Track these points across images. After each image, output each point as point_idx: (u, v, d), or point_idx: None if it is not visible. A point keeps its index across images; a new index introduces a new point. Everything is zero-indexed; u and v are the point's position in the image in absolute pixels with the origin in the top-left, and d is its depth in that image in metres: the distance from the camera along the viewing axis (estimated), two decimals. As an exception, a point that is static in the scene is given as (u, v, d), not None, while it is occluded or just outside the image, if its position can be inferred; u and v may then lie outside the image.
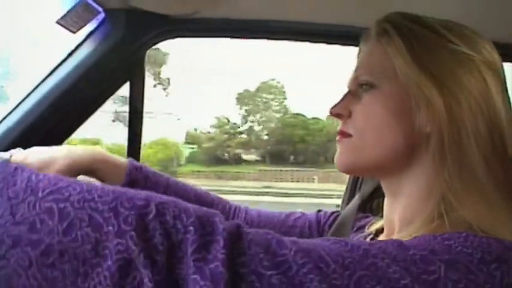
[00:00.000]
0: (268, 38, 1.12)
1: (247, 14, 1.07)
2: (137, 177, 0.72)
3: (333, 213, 0.80)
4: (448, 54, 0.51)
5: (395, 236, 0.56)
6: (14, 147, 1.14)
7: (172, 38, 1.11)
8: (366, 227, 0.69)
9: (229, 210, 0.79)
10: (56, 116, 1.14)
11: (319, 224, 0.77)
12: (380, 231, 0.65)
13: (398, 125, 0.53)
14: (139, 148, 1.25)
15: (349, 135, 0.57)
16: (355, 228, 0.73)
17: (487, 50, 0.53)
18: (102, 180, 0.69)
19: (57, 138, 1.20)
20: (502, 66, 0.54)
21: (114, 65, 1.11)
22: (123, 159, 0.72)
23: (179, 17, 1.07)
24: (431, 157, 0.51)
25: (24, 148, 1.15)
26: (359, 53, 0.61)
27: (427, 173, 0.53)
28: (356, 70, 0.58)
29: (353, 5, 0.98)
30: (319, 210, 0.82)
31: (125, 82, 1.17)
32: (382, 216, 0.67)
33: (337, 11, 1.00)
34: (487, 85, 0.51)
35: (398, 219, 0.57)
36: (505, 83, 0.54)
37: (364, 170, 0.60)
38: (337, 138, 0.58)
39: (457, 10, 0.95)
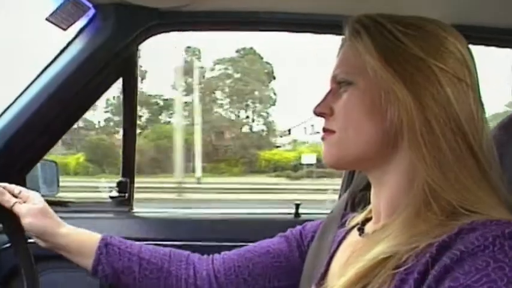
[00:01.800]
0: (259, 30, 1.11)
1: (238, 5, 1.06)
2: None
3: (320, 223, 0.81)
4: (407, 57, 0.55)
5: (381, 222, 0.60)
6: (9, 146, 1.15)
7: (164, 32, 1.11)
8: (347, 223, 0.72)
9: (189, 262, 0.82)
10: (50, 113, 1.14)
11: (302, 238, 0.80)
12: (368, 220, 0.67)
13: (374, 118, 0.57)
14: (134, 144, 1.25)
15: (332, 132, 0.60)
16: (340, 224, 0.75)
17: (447, 53, 0.56)
18: None
19: (52, 135, 1.21)
20: (466, 62, 0.57)
21: (106, 61, 1.10)
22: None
23: (170, 11, 1.07)
24: (408, 146, 0.54)
25: (20, 146, 1.15)
26: (338, 53, 0.64)
27: (407, 162, 0.56)
28: (335, 69, 0.62)
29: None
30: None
31: (117, 78, 1.17)
32: (363, 209, 0.70)
33: (326, 1, 0.99)
34: (444, 90, 0.54)
35: (384, 206, 0.60)
36: (472, 74, 0.56)
37: (349, 163, 0.63)
38: (322, 136, 0.62)
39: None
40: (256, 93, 14.89)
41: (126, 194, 1.25)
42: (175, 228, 1.23)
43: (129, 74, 1.17)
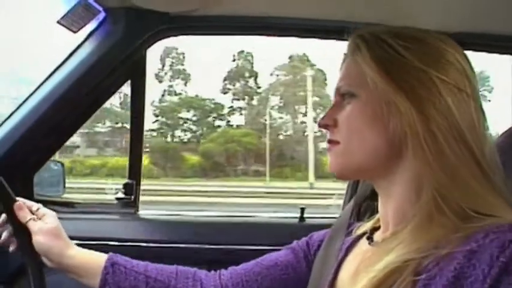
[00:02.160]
0: (268, 35, 1.12)
1: (247, 10, 1.07)
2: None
3: (326, 233, 0.81)
4: (408, 69, 0.57)
5: (390, 231, 0.60)
6: (18, 146, 1.16)
7: (173, 36, 1.12)
8: (354, 231, 0.72)
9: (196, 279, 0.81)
10: (59, 114, 1.15)
11: (309, 247, 0.80)
12: (376, 229, 0.67)
13: (377, 129, 0.58)
14: (141, 146, 1.26)
15: (337, 143, 0.61)
16: (347, 232, 0.74)
17: (447, 64, 0.57)
18: None
19: (60, 136, 1.22)
20: (465, 72, 0.57)
21: (115, 64, 1.12)
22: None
23: (179, 15, 1.08)
24: (413, 156, 0.55)
25: (29, 146, 1.17)
26: (341, 66, 0.66)
27: (412, 171, 0.57)
28: (338, 82, 0.63)
29: (351, 1, 0.98)
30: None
31: (126, 81, 1.18)
32: (369, 218, 0.70)
33: (335, 7, 1.00)
34: (445, 100, 0.55)
35: (392, 215, 0.60)
36: (472, 83, 0.57)
37: (354, 173, 0.64)
38: (327, 147, 0.63)
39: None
40: (316, 99, 14.91)
41: (132, 196, 1.26)
42: (180, 230, 1.23)
43: (138, 76, 1.18)
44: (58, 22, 1.03)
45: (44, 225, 0.76)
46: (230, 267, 0.81)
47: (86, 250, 0.79)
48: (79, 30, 1.08)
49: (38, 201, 1.24)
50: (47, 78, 1.16)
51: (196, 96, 15.19)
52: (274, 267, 0.78)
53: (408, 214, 0.56)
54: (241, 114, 15.01)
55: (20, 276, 1.11)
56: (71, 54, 1.13)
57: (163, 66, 15.23)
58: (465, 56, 0.60)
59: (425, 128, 0.54)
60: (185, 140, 14.79)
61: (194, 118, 15.10)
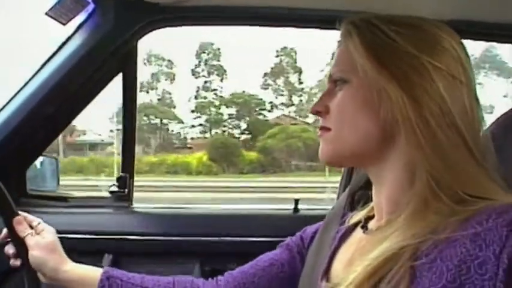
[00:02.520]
0: (259, 25, 1.11)
1: (239, 1, 1.06)
2: None
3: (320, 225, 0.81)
4: (401, 55, 0.56)
5: (384, 218, 0.60)
6: (9, 141, 1.15)
7: (163, 27, 1.11)
8: (347, 221, 0.72)
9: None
10: (50, 108, 1.14)
11: (303, 241, 0.80)
12: (370, 218, 0.67)
13: (368, 115, 0.58)
14: (134, 139, 1.25)
15: (328, 130, 0.61)
16: (341, 222, 0.74)
17: (442, 51, 0.57)
18: None
19: (51, 130, 1.21)
20: (459, 58, 0.57)
21: (106, 56, 1.11)
22: None
23: (169, 5, 1.07)
24: (405, 141, 0.55)
25: (20, 141, 1.16)
26: (334, 54, 0.65)
27: (406, 157, 0.56)
28: (331, 69, 0.63)
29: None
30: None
31: (117, 73, 1.17)
32: (363, 206, 0.70)
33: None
34: (437, 86, 0.55)
35: (385, 203, 0.60)
36: (466, 71, 0.57)
37: (345, 160, 0.64)
38: (319, 134, 0.63)
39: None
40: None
41: (126, 190, 1.25)
42: (174, 223, 1.23)
43: (129, 69, 1.16)
44: (46, 14, 1.02)
45: (41, 240, 0.76)
46: (226, 272, 0.81)
47: (81, 265, 0.79)
48: (68, 22, 1.06)
49: (32, 196, 1.26)
50: (36, 72, 1.14)
51: (243, 92, 15.26)
52: (270, 267, 0.78)
53: (402, 201, 0.56)
54: (289, 111, 15.17)
55: (13, 274, 1.10)
56: (60, 47, 1.12)
57: (199, 62, 15.17)
58: (461, 44, 0.59)
59: (417, 114, 0.54)
60: (238, 136, 14.98)
61: (237, 114, 15.29)
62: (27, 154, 1.21)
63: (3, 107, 1.16)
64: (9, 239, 0.76)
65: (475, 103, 0.57)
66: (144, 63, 15.13)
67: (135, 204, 1.28)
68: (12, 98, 1.15)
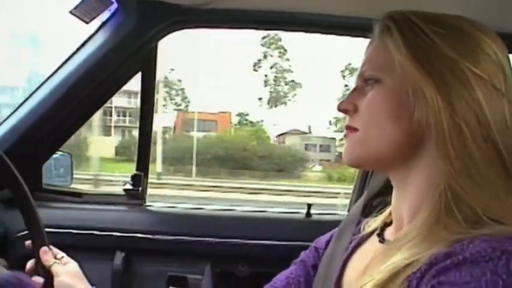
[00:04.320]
0: (279, 29, 1.11)
1: (259, 5, 1.06)
2: None
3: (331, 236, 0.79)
4: (438, 56, 0.53)
5: (405, 228, 0.57)
6: (27, 136, 1.17)
7: (184, 28, 1.12)
8: (362, 228, 0.70)
9: None
10: (68, 106, 1.15)
11: (318, 252, 0.78)
12: (387, 224, 0.65)
13: (400, 118, 0.55)
14: (150, 138, 1.26)
15: (355, 130, 0.58)
16: (356, 230, 0.72)
17: (482, 55, 0.54)
18: None
19: (69, 127, 1.22)
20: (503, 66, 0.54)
21: (127, 56, 1.12)
22: None
23: (191, 7, 1.08)
24: (434, 148, 0.53)
25: (38, 137, 1.17)
26: (366, 51, 0.62)
27: (432, 164, 0.54)
28: (362, 66, 0.60)
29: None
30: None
31: (136, 72, 1.18)
32: (381, 212, 0.68)
33: (348, 2, 0.99)
34: (475, 93, 0.52)
35: (407, 211, 0.57)
36: (508, 78, 0.54)
37: (371, 163, 0.61)
38: (345, 132, 0.60)
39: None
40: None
41: (140, 188, 1.26)
42: (186, 223, 1.24)
43: (148, 68, 1.17)
44: (71, 12, 1.03)
45: (67, 268, 0.77)
46: None
47: None
48: (91, 20, 1.08)
49: (47, 190, 1.27)
50: (58, 69, 1.16)
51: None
52: (287, 287, 0.76)
53: (422, 210, 0.53)
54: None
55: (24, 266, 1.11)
56: (82, 45, 1.13)
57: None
58: (503, 49, 0.56)
59: (450, 119, 0.50)
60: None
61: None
62: (44, 149, 1.22)
63: (23, 103, 1.17)
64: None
65: None
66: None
67: (148, 203, 1.29)
68: (31, 94, 1.17)
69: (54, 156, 1.31)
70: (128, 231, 1.20)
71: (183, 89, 14.88)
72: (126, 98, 13.36)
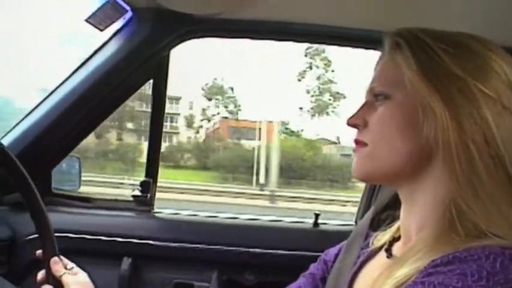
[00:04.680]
0: (291, 40, 1.12)
1: (272, 16, 1.08)
2: None
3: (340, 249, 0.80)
4: (447, 75, 0.54)
5: (412, 242, 0.57)
6: (38, 141, 1.18)
7: (197, 37, 1.13)
8: (371, 242, 0.70)
9: None
10: (80, 112, 1.17)
11: (327, 265, 0.78)
12: (396, 239, 0.66)
13: (409, 134, 0.55)
14: (160, 145, 1.27)
15: (364, 145, 0.59)
16: (364, 244, 0.73)
17: (490, 74, 0.54)
18: None
19: (79, 132, 1.23)
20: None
21: (139, 63, 1.13)
22: None
23: (204, 17, 1.09)
24: (442, 165, 0.53)
25: (49, 141, 1.18)
26: (376, 66, 0.63)
27: (439, 181, 0.55)
28: (372, 82, 0.61)
29: (375, 10, 0.98)
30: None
31: (148, 80, 1.19)
32: (389, 226, 0.69)
33: (359, 15, 1.00)
34: (483, 112, 0.52)
35: (414, 225, 0.58)
36: None
37: (380, 178, 0.62)
38: (354, 147, 0.60)
39: (470, 15, 0.95)
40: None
41: (148, 194, 1.26)
42: (194, 230, 1.24)
43: (160, 76, 1.19)
44: (86, 20, 1.05)
45: (77, 278, 0.78)
46: None
47: None
48: (105, 28, 1.09)
49: (55, 195, 1.28)
50: (70, 75, 1.18)
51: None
52: None
53: (427, 226, 0.54)
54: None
55: (31, 270, 1.12)
56: (95, 52, 1.15)
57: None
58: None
59: (458, 137, 0.51)
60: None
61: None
62: (53, 155, 1.23)
63: (35, 108, 1.19)
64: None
65: None
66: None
67: (156, 210, 1.30)
68: (44, 100, 1.18)
69: (65, 160, 1.32)
70: (135, 237, 1.21)
71: (233, 97, 14.91)
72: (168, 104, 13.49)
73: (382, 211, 0.83)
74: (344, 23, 1.06)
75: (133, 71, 1.14)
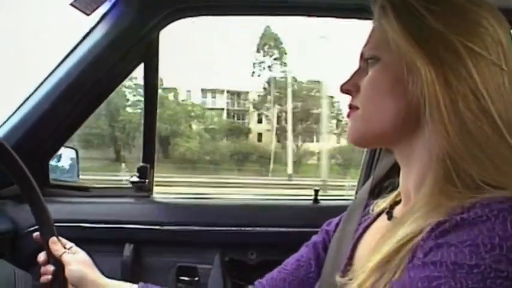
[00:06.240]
0: (283, 15, 1.10)
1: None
2: None
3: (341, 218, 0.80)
4: (431, 33, 0.54)
5: (412, 201, 0.58)
6: (32, 132, 1.17)
7: (186, 17, 1.11)
8: (371, 209, 0.71)
9: None
10: (72, 99, 1.15)
11: (328, 235, 0.78)
12: (397, 203, 0.66)
13: (397, 93, 0.56)
14: (155, 130, 1.26)
15: (356, 108, 0.60)
16: (364, 212, 0.74)
17: (477, 29, 0.54)
18: None
19: (73, 121, 1.22)
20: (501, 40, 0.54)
21: (129, 46, 1.11)
22: None
23: (192, -4, 1.07)
24: (431, 121, 0.54)
25: (43, 132, 1.17)
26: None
27: (431, 137, 0.55)
28: (363, 47, 0.62)
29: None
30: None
31: (139, 63, 1.18)
32: (390, 192, 0.69)
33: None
34: (468, 68, 0.53)
35: (413, 185, 0.59)
36: (507, 54, 0.54)
37: (372, 140, 0.62)
38: (347, 113, 0.61)
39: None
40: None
41: (146, 180, 1.26)
42: (194, 213, 1.24)
43: (151, 59, 1.17)
44: (71, 4, 1.02)
45: (77, 257, 0.78)
46: (256, 281, 0.80)
47: (115, 281, 0.80)
48: (92, 12, 1.07)
49: (54, 186, 1.27)
50: (60, 63, 1.16)
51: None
52: (297, 270, 0.77)
53: (425, 183, 0.54)
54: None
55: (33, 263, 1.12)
56: (83, 38, 1.13)
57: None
58: (504, 23, 0.56)
59: (445, 93, 0.52)
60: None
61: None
62: (49, 145, 1.22)
63: (27, 99, 1.17)
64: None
65: None
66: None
67: (155, 194, 1.29)
68: (35, 90, 1.17)
69: (61, 151, 1.31)
70: (136, 223, 1.21)
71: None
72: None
73: (382, 180, 0.83)
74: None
75: (123, 55, 1.13)
